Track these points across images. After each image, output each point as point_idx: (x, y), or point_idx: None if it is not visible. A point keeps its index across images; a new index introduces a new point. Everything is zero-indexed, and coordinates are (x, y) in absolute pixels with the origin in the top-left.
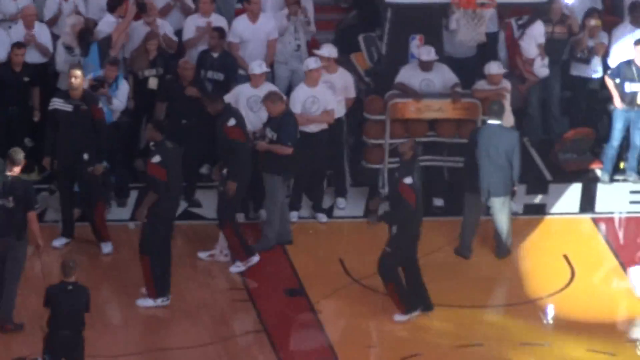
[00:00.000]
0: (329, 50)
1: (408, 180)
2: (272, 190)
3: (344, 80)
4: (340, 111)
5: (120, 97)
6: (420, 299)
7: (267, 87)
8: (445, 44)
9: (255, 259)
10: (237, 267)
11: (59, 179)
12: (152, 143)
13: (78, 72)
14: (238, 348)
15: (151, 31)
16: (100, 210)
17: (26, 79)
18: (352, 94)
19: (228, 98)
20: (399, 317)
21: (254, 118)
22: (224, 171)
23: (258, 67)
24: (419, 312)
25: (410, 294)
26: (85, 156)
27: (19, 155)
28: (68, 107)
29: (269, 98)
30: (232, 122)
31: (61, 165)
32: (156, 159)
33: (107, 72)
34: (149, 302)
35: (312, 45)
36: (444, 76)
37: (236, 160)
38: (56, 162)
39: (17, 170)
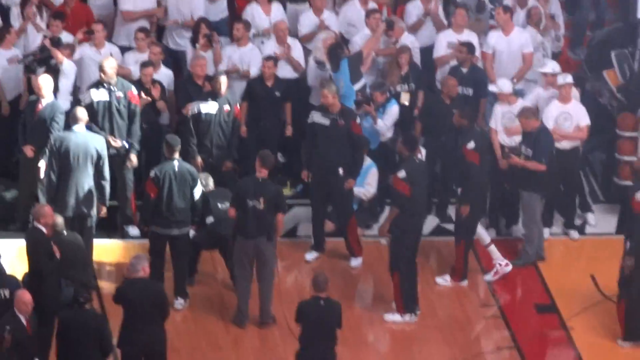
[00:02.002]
0: (553, 66)
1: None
2: (529, 207)
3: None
4: None
5: (387, 119)
6: None
7: (521, 104)
8: None
9: (464, 283)
10: (445, 282)
11: (312, 192)
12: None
13: (325, 92)
14: None
15: (403, 45)
16: (353, 226)
17: (277, 93)
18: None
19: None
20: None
21: (507, 134)
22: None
23: (504, 86)
24: None
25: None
26: (340, 171)
27: (270, 157)
28: (325, 121)
29: (522, 114)
30: (471, 144)
31: (316, 178)
32: (402, 173)
33: (375, 96)
34: (396, 317)
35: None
36: None
37: (470, 183)
38: (311, 175)
39: (265, 172)
